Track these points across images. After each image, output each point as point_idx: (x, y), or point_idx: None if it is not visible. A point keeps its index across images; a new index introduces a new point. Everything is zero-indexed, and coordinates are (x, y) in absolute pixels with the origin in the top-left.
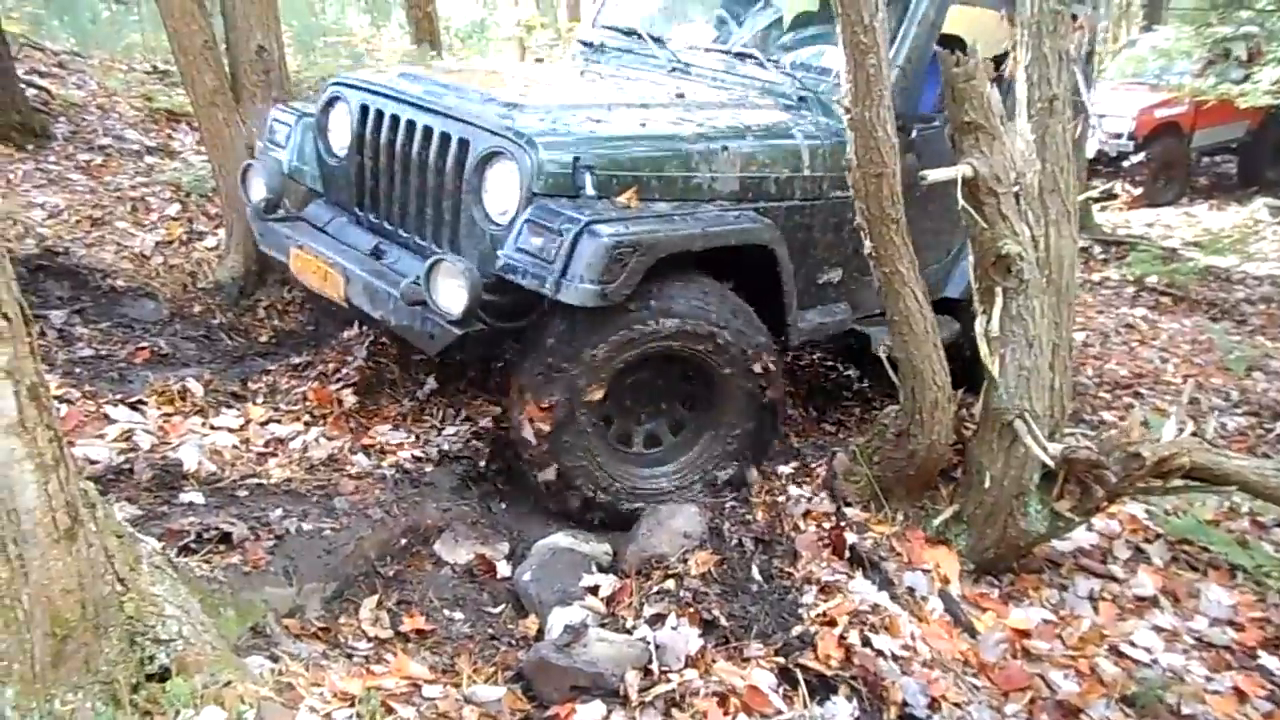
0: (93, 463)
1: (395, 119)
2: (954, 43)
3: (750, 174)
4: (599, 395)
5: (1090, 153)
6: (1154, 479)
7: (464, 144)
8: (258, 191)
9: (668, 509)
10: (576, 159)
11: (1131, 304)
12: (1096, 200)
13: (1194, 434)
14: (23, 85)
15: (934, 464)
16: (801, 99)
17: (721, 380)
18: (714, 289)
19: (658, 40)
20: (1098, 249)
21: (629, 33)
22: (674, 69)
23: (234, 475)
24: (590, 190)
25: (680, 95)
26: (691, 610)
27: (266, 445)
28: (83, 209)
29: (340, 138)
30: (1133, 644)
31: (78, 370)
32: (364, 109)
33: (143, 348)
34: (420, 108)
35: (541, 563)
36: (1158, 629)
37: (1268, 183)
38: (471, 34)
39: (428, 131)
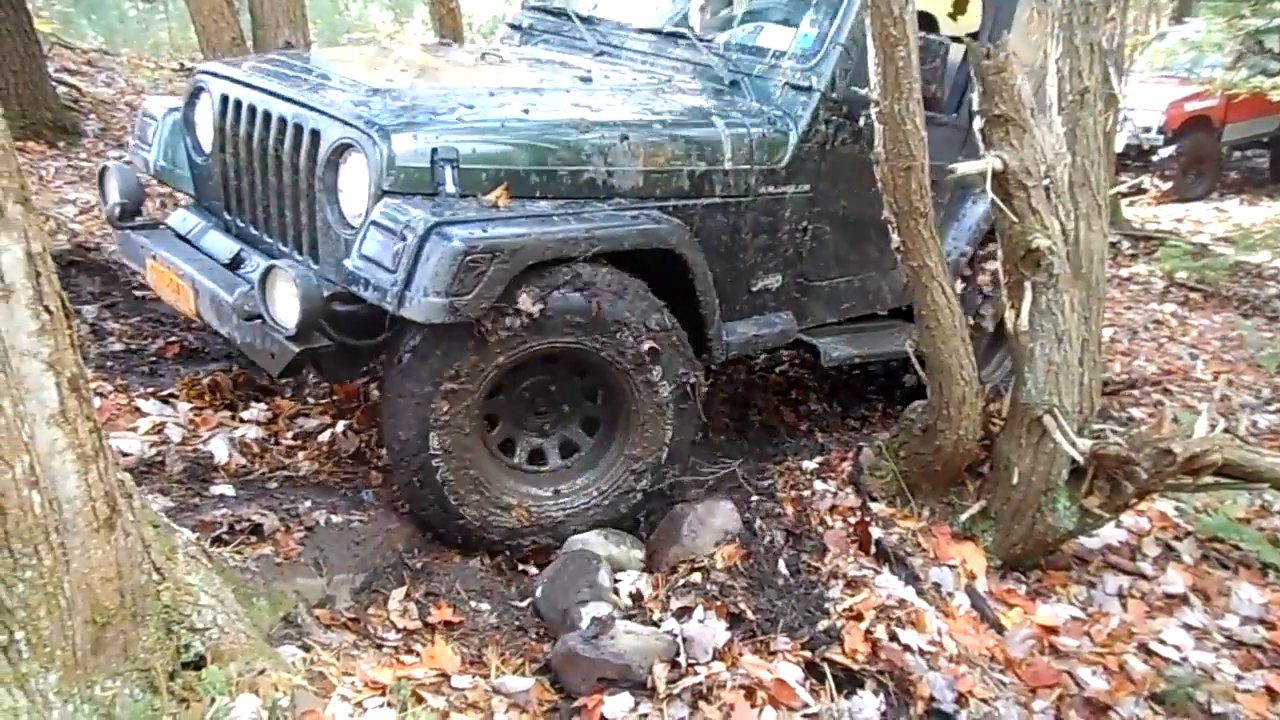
0: (125, 455)
1: (253, 110)
2: (923, 20)
3: (656, 168)
4: (473, 415)
5: (1119, 146)
6: (1185, 476)
7: (316, 135)
8: (113, 196)
9: (705, 507)
10: (435, 150)
11: (1161, 300)
12: (1125, 195)
13: (1226, 431)
14: (54, 83)
15: (961, 459)
16: (734, 83)
17: (619, 373)
18: (588, 273)
19: (587, 21)
20: (1126, 244)
21: (558, 14)
22: (602, 52)
23: (263, 468)
24: (451, 187)
25: (586, 79)
26: (719, 604)
27: (295, 438)
28: None
29: (207, 133)
30: (1162, 641)
31: (109, 364)
32: (224, 100)
33: (172, 342)
34: (277, 96)
35: (553, 570)
36: (1188, 627)
37: None
38: (494, 28)
39: (283, 123)
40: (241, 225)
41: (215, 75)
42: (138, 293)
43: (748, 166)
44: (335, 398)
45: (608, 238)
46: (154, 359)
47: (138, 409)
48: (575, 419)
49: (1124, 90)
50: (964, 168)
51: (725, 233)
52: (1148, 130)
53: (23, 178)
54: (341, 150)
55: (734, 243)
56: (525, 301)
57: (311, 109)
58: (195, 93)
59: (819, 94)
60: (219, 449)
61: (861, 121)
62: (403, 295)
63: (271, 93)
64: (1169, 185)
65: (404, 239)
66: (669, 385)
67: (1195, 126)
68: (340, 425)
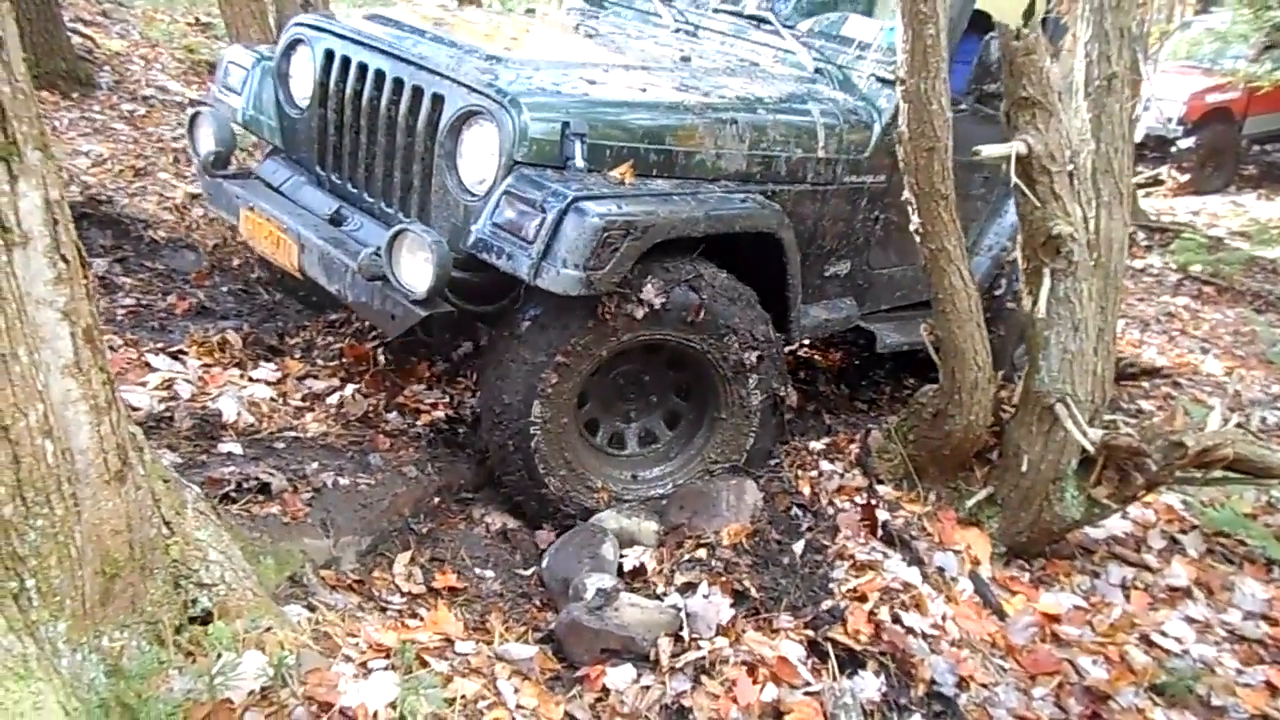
0: (135, 410)
1: (363, 68)
2: (984, 21)
3: (760, 152)
4: (575, 391)
5: (1139, 135)
6: (1195, 469)
7: (438, 100)
8: (206, 144)
9: (737, 484)
10: (566, 125)
11: (1174, 292)
12: (1141, 186)
13: (1239, 426)
14: (68, 33)
15: (970, 444)
16: (818, 71)
17: (717, 376)
18: (709, 274)
19: None
20: (1141, 235)
21: None
22: (679, 30)
23: (272, 427)
24: (580, 162)
25: (685, 59)
26: (723, 580)
27: (303, 399)
28: (125, 159)
29: (302, 86)
30: (1164, 633)
31: (120, 318)
32: (329, 55)
33: (183, 298)
34: (391, 56)
35: (560, 541)
36: (1190, 620)
37: None
38: None
39: (398, 84)
40: (338, 182)
41: (318, 29)
42: (149, 248)
43: (837, 155)
44: (343, 360)
45: (722, 218)
46: (164, 315)
47: (147, 364)
48: (660, 410)
49: (1150, 76)
50: (990, 150)
51: (811, 219)
52: (1169, 120)
53: (42, 124)
54: (467, 117)
55: (816, 229)
56: (649, 291)
57: (433, 72)
58: (292, 44)
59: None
60: (227, 407)
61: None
62: (540, 266)
63: (386, 52)
64: (1186, 177)
65: (542, 211)
66: (760, 395)
67: (1215, 118)
68: (349, 388)
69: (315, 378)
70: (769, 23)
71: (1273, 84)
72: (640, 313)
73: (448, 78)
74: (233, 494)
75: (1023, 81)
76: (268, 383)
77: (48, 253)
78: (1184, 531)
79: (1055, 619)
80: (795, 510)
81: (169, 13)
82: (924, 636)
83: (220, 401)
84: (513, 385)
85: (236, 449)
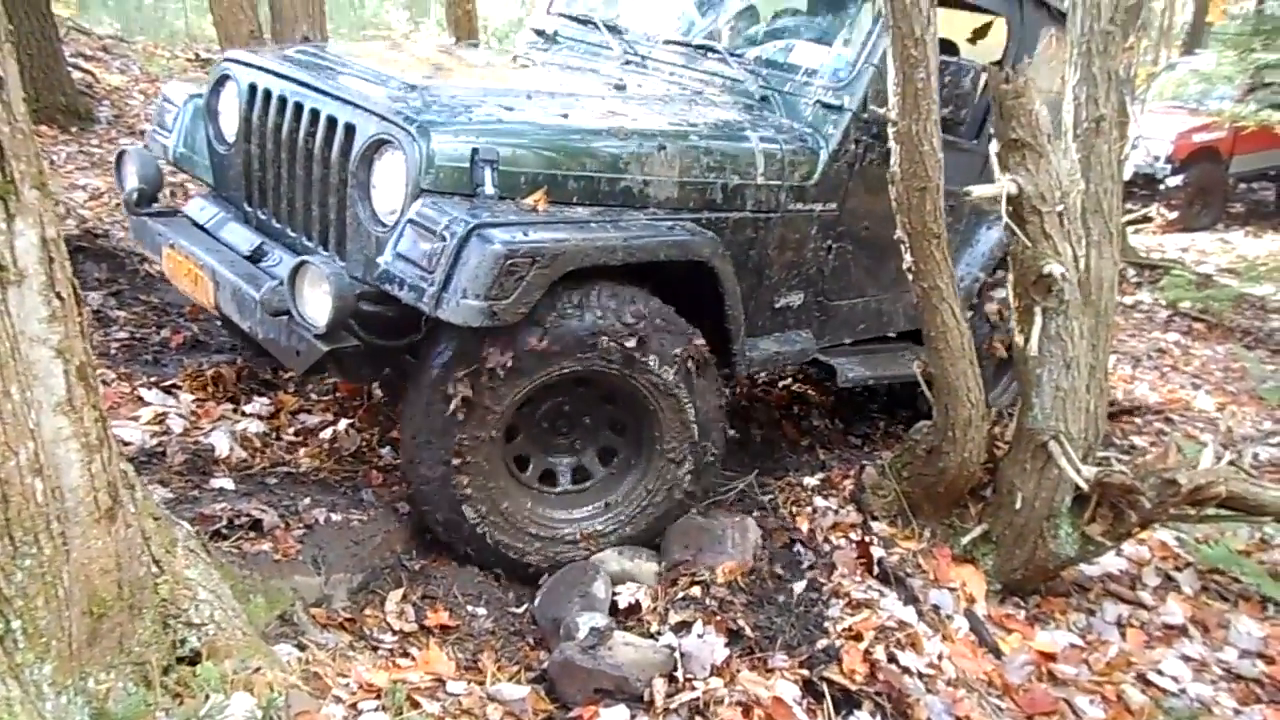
0: (126, 444)
1: (283, 101)
2: (944, 46)
3: (693, 179)
4: (503, 429)
5: (1127, 174)
6: (1188, 506)
7: (351, 130)
8: (130, 181)
9: (740, 521)
10: (475, 151)
11: (1164, 329)
12: (1131, 223)
13: (1231, 463)
14: (69, 68)
15: (964, 481)
16: (764, 98)
17: (648, 407)
18: (627, 294)
19: (614, 30)
20: (1131, 272)
21: (584, 21)
22: (629, 61)
23: (264, 463)
24: (490, 189)
25: (620, 86)
26: (717, 619)
27: (296, 434)
28: (122, 193)
29: (230, 123)
30: (1160, 672)
31: (114, 351)
32: (252, 89)
33: (177, 332)
34: (310, 88)
35: (552, 579)
36: (1186, 658)
37: None
38: (510, 32)
39: (315, 115)
40: (263, 217)
41: (242, 64)
42: (144, 281)
43: (778, 182)
44: (338, 395)
45: (644, 248)
46: (158, 348)
47: (140, 398)
48: (595, 444)
49: (1137, 117)
50: (980, 190)
51: (753, 248)
52: (1156, 159)
53: (40, 163)
54: (377, 146)
55: (761, 258)
56: (554, 321)
57: (346, 102)
58: (220, 80)
59: (850, 113)
60: (220, 442)
61: (890, 142)
62: (440, 297)
63: (303, 84)
64: (1175, 214)
65: (443, 240)
66: (696, 427)
67: (1203, 157)
68: (342, 423)
69: (309, 412)
70: (716, 51)
71: (1258, 124)
72: (543, 344)
73: (360, 107)
74: (224, 530)
75: (1012, 123)
76: (261, 417)
77: (42, 290)
78: (1179, 569)
79: (1051, 657)
80: (798, 547)
81: (169, 48)
82: (920, 676)
83: (213, 436)
84: (430, 424)
85: (229, 484)
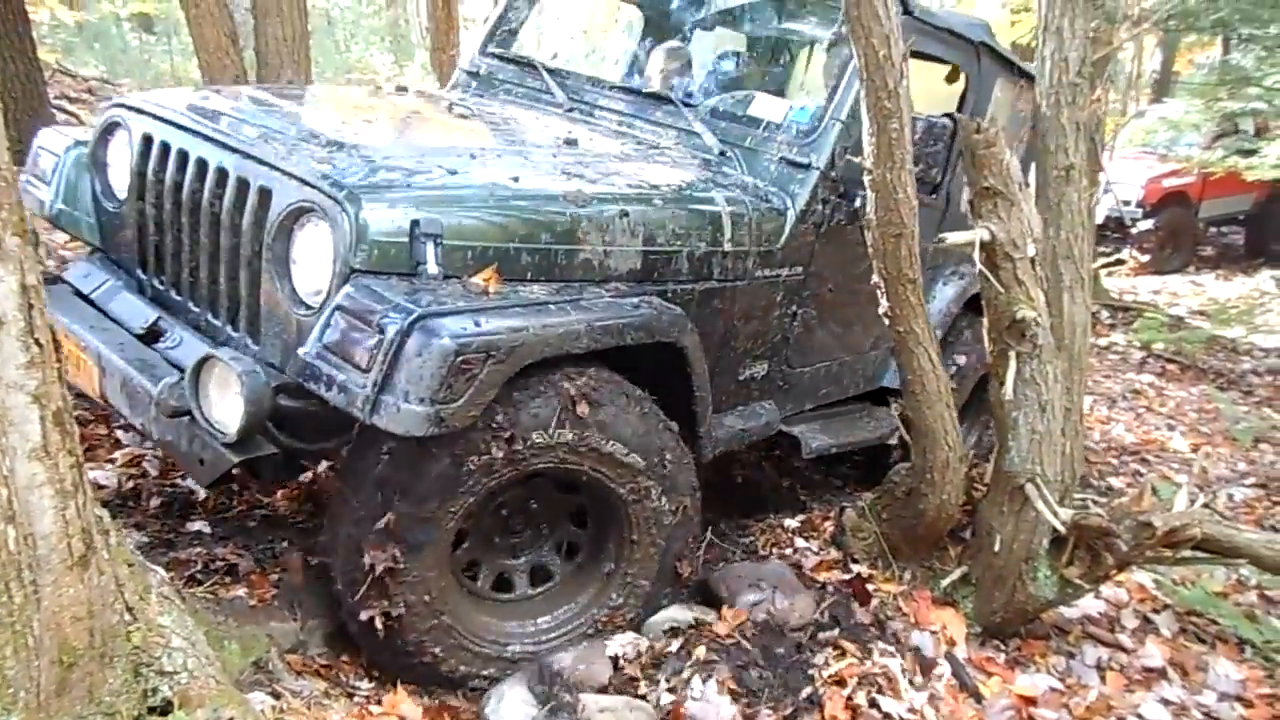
0: (101, 487)
1: (184, 155)
2: None
3: (657, 248)
4: (449, 539)
5: (1099, 218)
6: (1164, 549)
7: (265, 194)
8: None
9: (773, 570)
10: (416, 223)
11: (1139, 369)
12: (1104, 266)
13: (1206, 505)
14: (53, 109)
15: (943, 524)
16: (722, 153)
17: (618, 503)
18: (591, 387)
19: (555, 74)
20: (1105, 314)
21: (522, 63)
22: (572, 109)
23: (242, 505)
24: (433, 267)
25: (571, 141)
26: (719, 679)
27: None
28: None
29: (121, 176)
30: (1140, 716)
31: None
32: (147, 140)
33: None
34: (214, 142)
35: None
36: (1165, 701)
37: (1274, 255)
38: None
39: (222, 174)
40: (160, 287)
41: (136, 110)
42: None
43: (747, 247)
44: None
45: (610, 330)
46: None
47: (116, 440)
48: (553, 541)
49: (1107, 164)
50: (954, 237)
51: (719, 319)
52: (1126, 203)
53: (22, 210)
54: (297, 215)
55: (727, 329)
56: (509, 422)
57: (261, 161)
58: (109, 128)
59: (818, 172)
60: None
61: (858, 202)
62: (377, 400)
63: (208, 138)
64: (1147, 258)
65: (380, 332)
66: (669, 516)
67: (1173, 202)
68: (322, 465)
69: None
70: (670, 102)
71: (1226, 170)
72: (501, 451)
73: (276, 168)
74: (199, 575)
75: (985, 173)
76: None
77: (21, 336)
78: (1157, 611)
79: (1032, 701)
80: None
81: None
82: None
83: (189, 479)
84: (362, 537)
85: (205, 528)
